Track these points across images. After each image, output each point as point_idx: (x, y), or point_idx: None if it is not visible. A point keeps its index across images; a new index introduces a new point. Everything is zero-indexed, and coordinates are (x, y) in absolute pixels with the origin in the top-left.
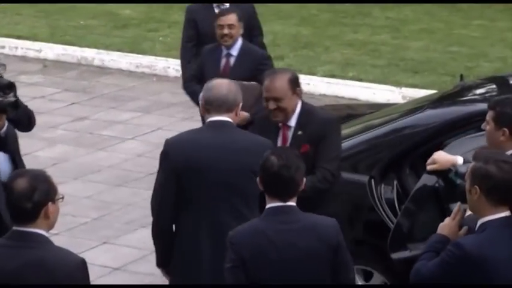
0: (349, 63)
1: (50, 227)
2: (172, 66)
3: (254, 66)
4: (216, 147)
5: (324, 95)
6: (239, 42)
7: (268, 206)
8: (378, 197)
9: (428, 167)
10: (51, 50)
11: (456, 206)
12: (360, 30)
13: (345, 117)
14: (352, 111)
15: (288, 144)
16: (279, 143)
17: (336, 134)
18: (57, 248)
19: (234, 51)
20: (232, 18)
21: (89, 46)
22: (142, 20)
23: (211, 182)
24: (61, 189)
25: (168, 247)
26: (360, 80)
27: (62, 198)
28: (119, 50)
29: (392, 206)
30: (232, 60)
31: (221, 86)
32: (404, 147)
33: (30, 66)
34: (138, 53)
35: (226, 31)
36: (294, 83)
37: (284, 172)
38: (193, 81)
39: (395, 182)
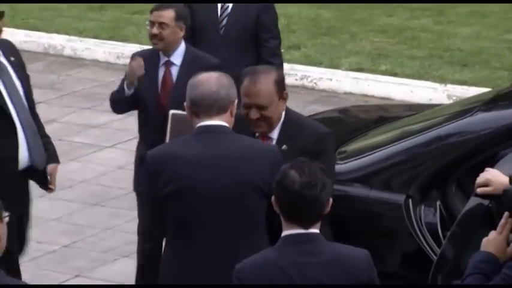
0: (381, 53)
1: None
2: None
3: None
4: (208, 160)
5: (350, 93)
6: (182, 46)
7: (285, 233)
8: (416, 221)
9: (479, 190)
10: (11, 36)
11: (503, 218)
12: (395, 12)
13: (376, 120)
14: (385, 114)
15: None
16: None
17: (332, 152)
18: (15, 281)
19: (176, 58)
20: (166, 15)
21: (58, 32)
22: None
23: (205, 205)
24: None
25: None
26: (395, 74)
27: (8, 216)
28: (95, 37)
29: (434, 233)
30: (174, 71)
31: (209, 80)
32: (450, 160)
33: None
34: (118, 40)
35: (155, 30)
36: (281, 85)
37: (308, 191)
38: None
39: (438, 203)
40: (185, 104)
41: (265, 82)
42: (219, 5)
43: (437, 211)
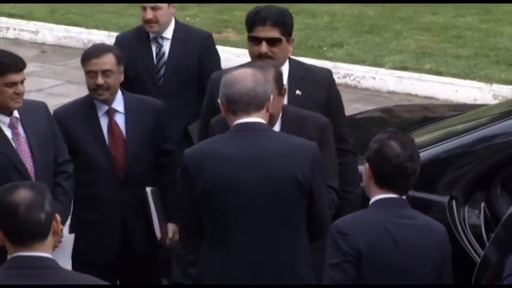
0: (426, 52)
1: (53, 246)
2: None
3: (155, 121)
4: (247, 158)
5: (393, 92)
6: (119, 92)
7: (380, 196)
8: (460, 223)
9: None
10: (50, 32)
11: None
12: (440, 10)
13: (420, 120)
14: (429, 114)
15: None
16: None
17: (332, 141)
18: (75, 274)
19: (118, 105)
20: (108, 61)
21: (97, 27)
22: None
23: (246, 206)
24: None
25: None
26: (439, 73)
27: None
28: None
29: (478, 235)
30: (120, 119)
31: (245, 78)
32: (495, 161)
33: (24, 51)
34: None
35: (100, 80)
36: (280, 81)
37: (410, 165)
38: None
39: (482, 204)
40: (219, 101)
41: (266, 76)
42: (154, 51)
43: (482, 213)
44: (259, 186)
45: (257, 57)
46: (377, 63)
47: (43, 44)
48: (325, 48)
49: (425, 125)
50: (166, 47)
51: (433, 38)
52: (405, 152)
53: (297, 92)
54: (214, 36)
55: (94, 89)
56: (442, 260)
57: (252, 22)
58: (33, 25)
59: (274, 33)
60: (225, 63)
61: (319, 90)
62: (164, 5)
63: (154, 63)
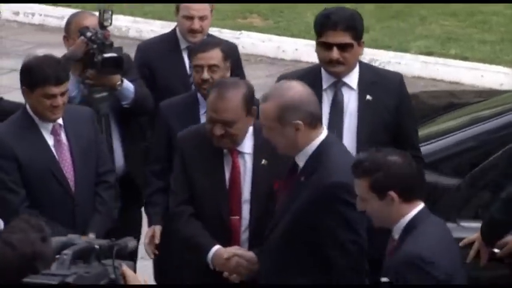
0: (451, 37)
1: None
2: (230, 39)
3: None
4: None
5: (419, 77)
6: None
7: (414, 211)
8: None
9: None
10: None
11: None
12: None
13: (445, 106)
14: (455, 100)
15: (245, 178)
16: (227, 175)
17: None
18: None
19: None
20: (215, 55)
21: (123, 13)
22: None
23: None
24: None
25: None
26: (465, 58)
27: None
28: (160, 18)
29: None
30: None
31: (309, 91)
32: None
33: (49, 37)
34: None
35: (206, 75)
36: (249, 101)
37: (418, 166)
38: (158, 172)
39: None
40: (298, 121)
41: (233, 97)
42: (187, 63)
43: None
44: None
45: (328, 63)
46: (402, 49)
47: None
48: None
49: (451, 110)
50: None
51: (458, 23)
52: (406, 159)
53: (368, 97)
54: (240, 21)
55: (199, 83)
56: None
57: (321, 26)
58: (58, 11)
59: (346, 39)
60: (249, 49)
61: (390, 96)
62: (209, 15)
63: (188, 74)
